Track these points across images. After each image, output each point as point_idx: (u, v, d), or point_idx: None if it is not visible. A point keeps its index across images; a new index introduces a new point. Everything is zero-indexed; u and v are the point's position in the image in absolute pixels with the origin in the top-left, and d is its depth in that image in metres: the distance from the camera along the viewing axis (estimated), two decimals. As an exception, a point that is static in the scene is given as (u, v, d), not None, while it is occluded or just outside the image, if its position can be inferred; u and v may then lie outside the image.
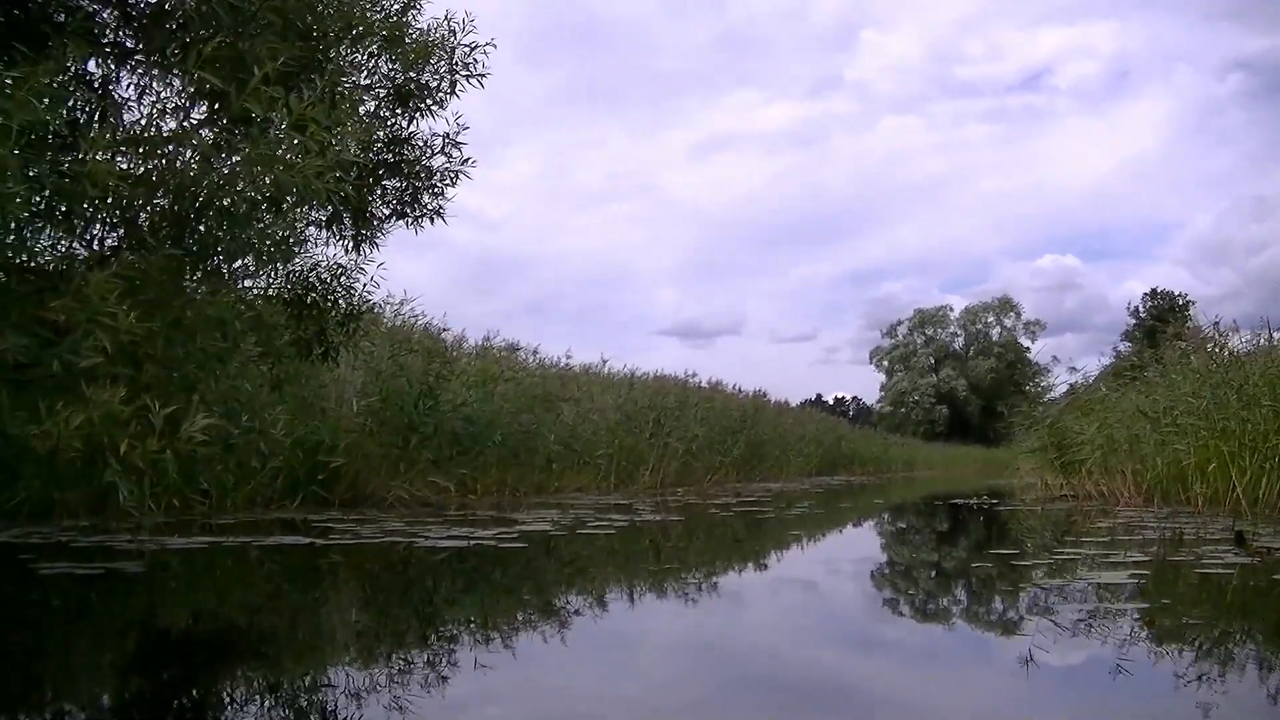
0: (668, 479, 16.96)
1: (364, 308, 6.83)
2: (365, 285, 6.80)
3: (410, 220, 6.26)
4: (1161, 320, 56.56)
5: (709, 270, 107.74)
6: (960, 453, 52.20)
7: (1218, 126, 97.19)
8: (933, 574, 5.96)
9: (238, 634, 3.84)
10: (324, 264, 6.74)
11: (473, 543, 6.45)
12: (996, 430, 69.47)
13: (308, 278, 6.75)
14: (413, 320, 13.01)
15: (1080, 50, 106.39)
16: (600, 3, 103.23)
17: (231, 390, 5.06)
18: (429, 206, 6.21)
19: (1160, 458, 10.85)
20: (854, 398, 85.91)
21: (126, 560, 5.29)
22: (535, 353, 16.63)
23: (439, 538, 6.80)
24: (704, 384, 21.73)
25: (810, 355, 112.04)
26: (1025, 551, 6.65)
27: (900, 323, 76.94)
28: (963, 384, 70.99)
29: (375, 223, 6.31)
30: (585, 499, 12.69)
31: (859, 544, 8.47)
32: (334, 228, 6.10)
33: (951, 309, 76.10)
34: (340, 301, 6.76)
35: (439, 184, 6.20)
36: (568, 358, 17.33)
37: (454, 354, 14.07)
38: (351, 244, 6.33)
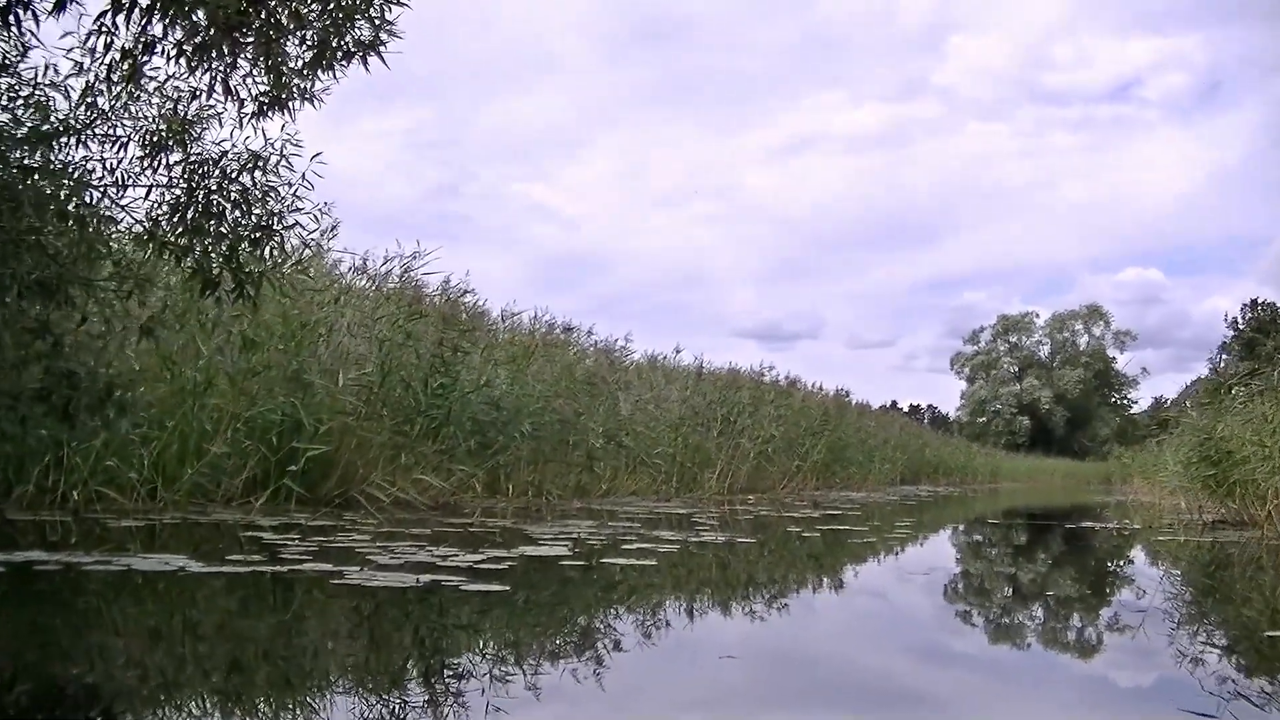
0: (737, 484, 14.66)
1: (288, 217, 4.55)
2: (294, 186, 4.57)
3: (329, 63, 3.94)
4: (1262, 332, 53.12)
5: (788, 272, 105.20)
6: (1046, 465, 49.39)
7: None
8: None
9: None
10: (232, 155, 4.51)
11: (423, 580, 4.12)
12: (1083, 443, 66.89)
13: (208, 174, 4.51)
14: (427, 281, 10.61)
15: (1171, 60, 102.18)
16: (684, 1, 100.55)
17: None
18: (363, 38, 3.89)
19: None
20: (929, 405, 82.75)
21: None
22: (590, 333, 14.31)
23: (395, 564, 4.55)
24: (781, 380, 19.41)
25: (888, 361, 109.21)
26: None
27: (983, 329, 73.97)
28: (1047, 394, 67.91)
29: (293, 81, 4.02)
30: (638, 506, 10.51)
31: (1033, 605, 5.92)
32: (202, 63, 3.80)
33: (1037, 315, 72.95)
34: (255, 209, 4.51)
35: (377, 4, 3.88)
36: (628, 340, 14.96)
37: (490, 326, 11.88)
38: (255, 108, 4.06)
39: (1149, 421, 32.99)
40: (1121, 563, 7.67)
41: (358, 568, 4.38)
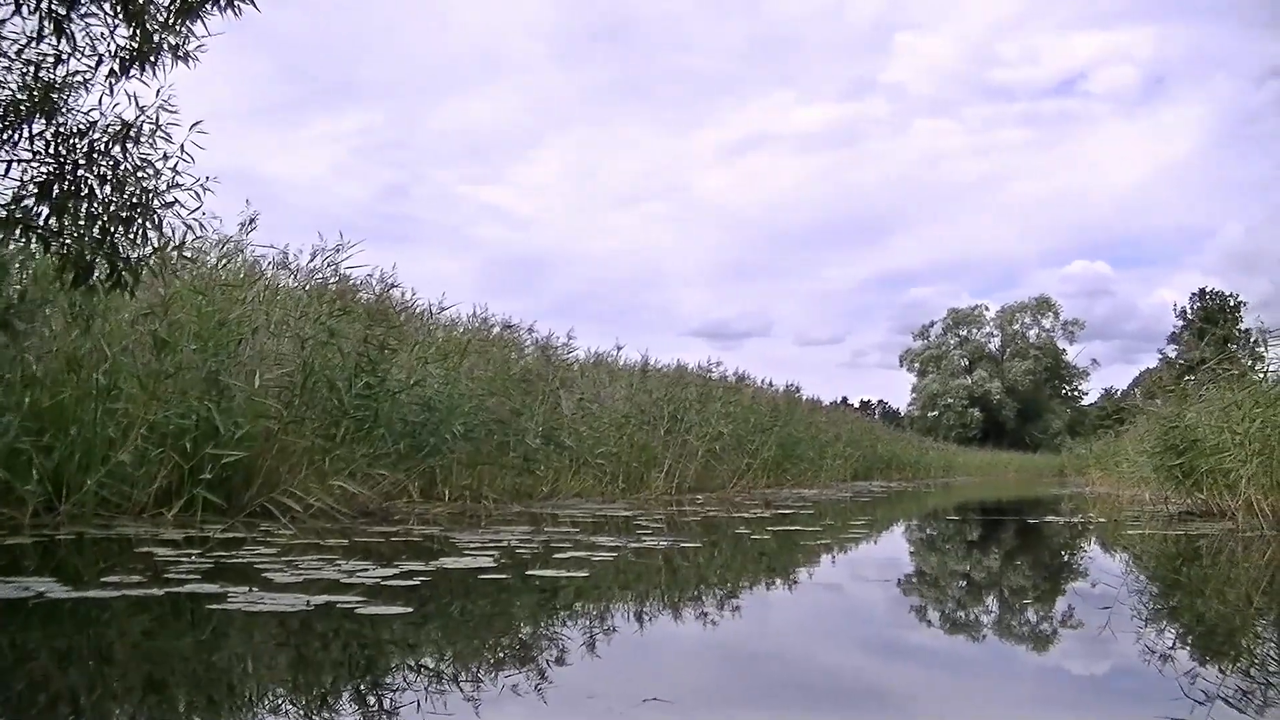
0: (685, 483, 14.20)
1: (165, 194, 4.03)
2: (175, 160, 4.06)
3: (194, 8, 3.43)
4: (1211, 321, 53.27)
5: (738, 271, 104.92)
6: (999, 459, 49.32)
7: (1253, 134, 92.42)
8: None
9: None
10: (101, 125, 3.99)
11: (312, 604, 3.61)
12: (1035, 435, 66.92)
13: (74, 147, 3.98)
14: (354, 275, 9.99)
15: (1117, 55, 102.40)
16: (634, 2, 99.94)
17: None
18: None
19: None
20: (880, 401, 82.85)
21: None
22: (530, 330, 13.76)
23: (294, 583, 4.05)
24: (729, 376, 18.94)
25: (838, 358, 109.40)
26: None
27: (933, 323, 73.99)
28: (997, 386, 68.06)
29: (163, 35, 3.50)
30: (580, 508, 10.08)
31: (1008, 607, 5.44)
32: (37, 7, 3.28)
33: (987, 308, 73.10)
34: (127, 185, 3.99)
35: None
36: (569, 337, 14.41)
37: (428, 323, 11.34)
38: (116, 65, 3.54)
39: (1102, 412, 32.94)
40: (1092, 558, 7.27)
41: (247, 588, 3.87)
